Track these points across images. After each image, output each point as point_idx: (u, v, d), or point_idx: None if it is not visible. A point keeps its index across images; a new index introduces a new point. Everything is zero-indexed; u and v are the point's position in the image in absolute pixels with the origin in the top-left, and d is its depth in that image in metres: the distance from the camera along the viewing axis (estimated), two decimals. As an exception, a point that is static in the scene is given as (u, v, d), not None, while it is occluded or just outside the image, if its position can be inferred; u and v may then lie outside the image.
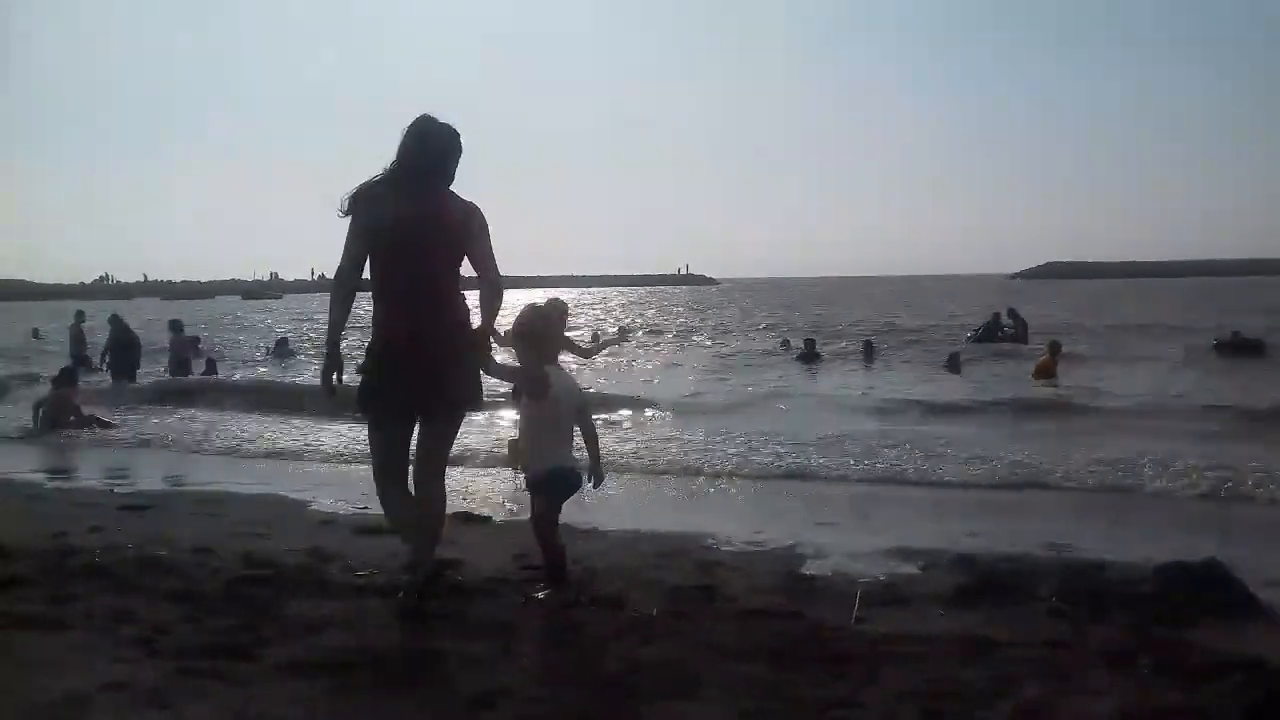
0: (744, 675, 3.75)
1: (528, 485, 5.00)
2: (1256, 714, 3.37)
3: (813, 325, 37.18)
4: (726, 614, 4.59)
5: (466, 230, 4.45)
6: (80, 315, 23.77)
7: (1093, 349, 25.75)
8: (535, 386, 4.76)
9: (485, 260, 4.47)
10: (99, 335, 21.80)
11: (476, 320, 4.48)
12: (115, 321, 19.30)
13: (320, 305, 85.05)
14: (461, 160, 4.51)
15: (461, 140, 4.49)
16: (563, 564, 4.86)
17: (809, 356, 23.73)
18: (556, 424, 4.82)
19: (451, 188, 4.51)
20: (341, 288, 4.48)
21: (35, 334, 32.72)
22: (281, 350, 27.72)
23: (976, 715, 3.37)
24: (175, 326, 21.31)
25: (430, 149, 4.42)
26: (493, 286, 4.44)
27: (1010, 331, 26.72)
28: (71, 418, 13.50)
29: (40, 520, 6.71)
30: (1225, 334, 24.72)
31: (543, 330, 4.93)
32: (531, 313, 4.99)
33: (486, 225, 4.52)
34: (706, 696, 3.53)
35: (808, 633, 4.31)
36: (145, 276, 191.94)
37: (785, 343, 27.22)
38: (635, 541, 6.20)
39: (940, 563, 5.73)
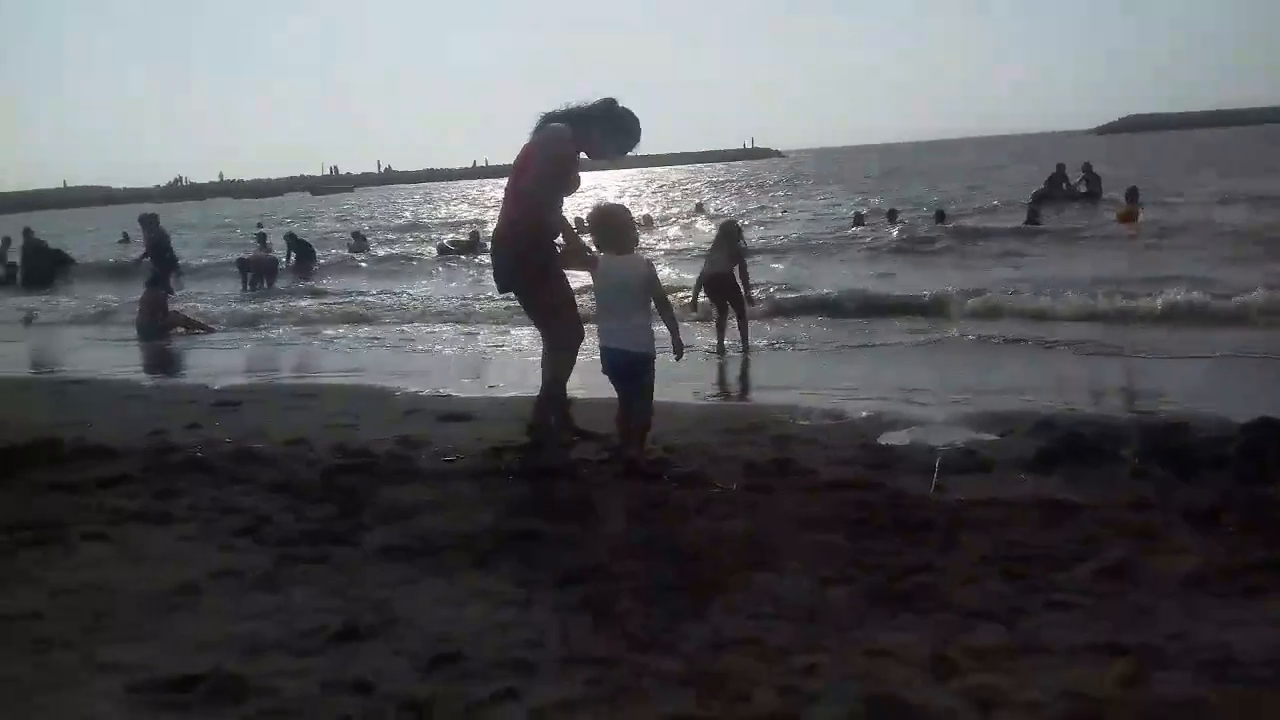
0: (823, 545, 3.82)
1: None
2: (1345, 567, 3.35)
3: (884, 196, 36.36)
4: (805, 486, 4.65)
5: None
6: (153, 219, 24.16)
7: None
8: (582, 265, 5.30)
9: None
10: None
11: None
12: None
13: (390, 196, 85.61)
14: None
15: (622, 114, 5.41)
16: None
17: (896, 222, 23.15)
18: (606, 302, 5.08)
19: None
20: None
21: (125, 238, 33.36)
22: (359, 244, 28.00)
23: (1057, 578, 3.41)
24: (261, 239, 22.19)
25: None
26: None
27: (1083, 190, 25.53)
28: (164, 317, 13.84)
29: (139, 419, 6.99)
30: None
31: (597, 221, 5.28)
32: (592, 209, 5.50)
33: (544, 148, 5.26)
34: (787, 566, 3.61)
35: (887, 502, 4.36)
36: (221, 176, 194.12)
37: (858, 216, 26.57)
38: (712, 417, 6.27)
39: (1021, 427, 5.70)
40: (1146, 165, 38.54)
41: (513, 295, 5.73)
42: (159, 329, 13.55)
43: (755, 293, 10.98)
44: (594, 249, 5.31)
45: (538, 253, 5.33)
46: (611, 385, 5.18)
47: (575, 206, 6.09)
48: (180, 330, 13.70)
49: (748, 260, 10.74)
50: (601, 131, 5.40)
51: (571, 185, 5.45)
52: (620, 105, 5.43)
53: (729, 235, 10.71)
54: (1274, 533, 3.70)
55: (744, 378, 8.68)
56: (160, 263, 17.79)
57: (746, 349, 9.91)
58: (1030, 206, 21.82)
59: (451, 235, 26.69)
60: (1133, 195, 19.72)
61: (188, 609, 3.40)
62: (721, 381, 8.49)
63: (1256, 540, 3.65)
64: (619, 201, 6.30)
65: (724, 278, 10.17)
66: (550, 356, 5.47)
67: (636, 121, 5.48)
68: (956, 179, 43.34)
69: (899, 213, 24.05)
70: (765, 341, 10.30)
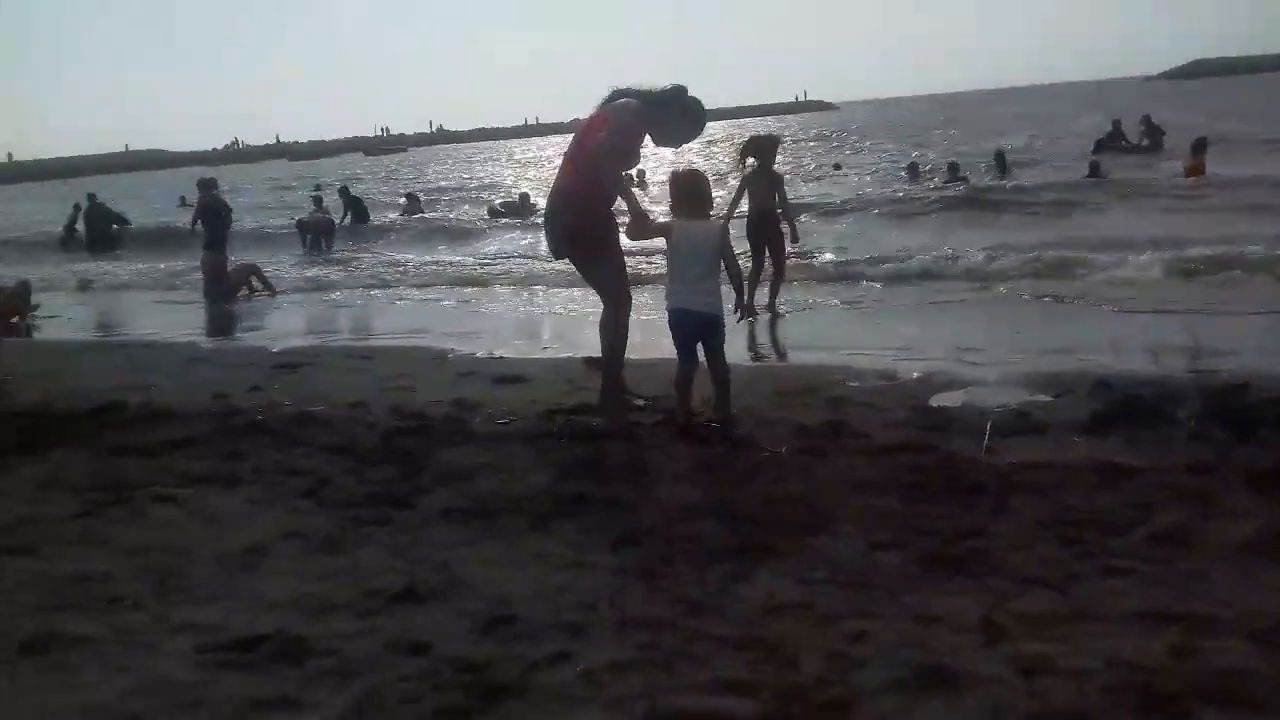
0: (876, 508, 3.85)
1: None
2: (1407, 533, 3.31)
3: (939, 150, 35.72)
4: (857, 450, 4.66)
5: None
6: (212, 182, 24.52)
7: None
8: (655, 233, 5.46)
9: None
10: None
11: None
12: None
13: (446, 155, 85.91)
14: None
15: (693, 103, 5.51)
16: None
17: (957, 177, 22.79)
18: (678, 265, 5.19)
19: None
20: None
21: (182, 201, 33.80)
22: (413, 205, 28.13)
23: (1112, 543, 3.40)
24: (318, 200, 22.47)
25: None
26: None
27: (1144, 144, 24.53)
28: (228, 280, 14.04)
29: (202, 382, 7.17)
30: None
31: (680, 186, 5.40)
32: (673, 173, 5.62)
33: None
34: (839, 530, 3.64)
35: (940, 465, 4.36)
36: (278, 139, 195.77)
37: (912, 167, 26.14)
38: (760, 379, 6.28)
39: (1077, 390, 5.64)
40: (1213, 113, 37.42)
41: (568, 259, 5.79)
42: (225, 292, 13.81)
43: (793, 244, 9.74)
44: (668, 213, 5.45)
45: (598, 218, 5.44)
46: (675, 347, 5.27)
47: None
48: (245, 292, 13.93)
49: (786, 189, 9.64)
50: (669, 117, 5.49)
51: (633, 161, 5.62)
52: (690, 94, 5.49)
53: (765, 150, 9.48)
54: (1334, 498, 3.65)
55: (789, 339, 8.61)
56: (213, 226, 18.09)
57: (774, 307, 9.31)
58: (1091, 160, 21.34)
59: (502, 198, 26.73)
60: (1200, 146, 19.12)
61: (255, 570, 3.52)
62: (770, 342, 8.46)
63: (1316, 505, 3.61)
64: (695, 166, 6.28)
65: (768, 216, 9.25)
66: (611, 320, 5.55)
67: (703, 113, 5.59)
68: (1018, 129, 42.42)
69: (959, 165, 23.64)
70: (814, 299, 10.25)
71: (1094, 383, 5.64)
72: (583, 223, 5.42)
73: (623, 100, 5.41)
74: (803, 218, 13.45)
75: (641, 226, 5.42)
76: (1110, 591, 3.04)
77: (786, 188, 9.94)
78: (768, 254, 9.40)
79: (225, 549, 3.71)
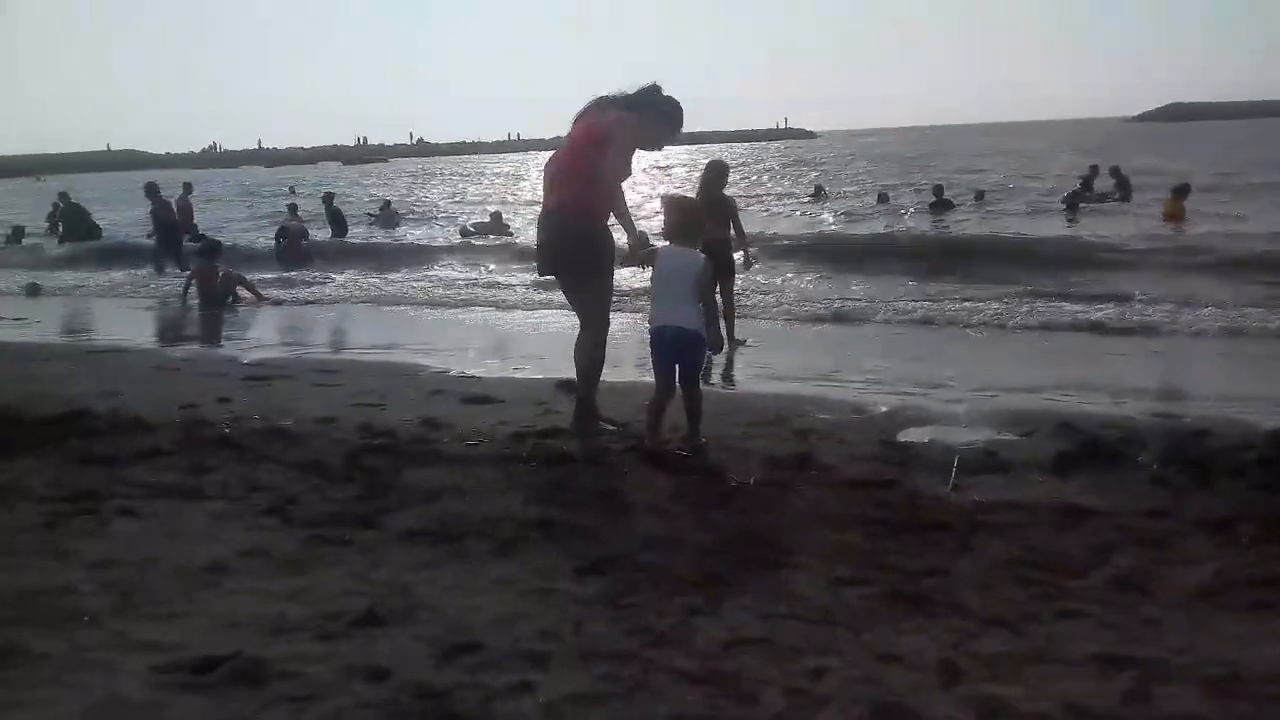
0: (840, 544, 3.88)
1: None
2: (1358, 584, 3.37)
3: (910, 180, 36.10)
4: (823, 483, 4.69)
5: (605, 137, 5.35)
6: (187, 187, 24.40)
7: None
8: (633, 257, 5.46)
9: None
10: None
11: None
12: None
13: (427, 168, 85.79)
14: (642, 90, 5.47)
15: (671, 104, 5.51)
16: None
17: (943, 205, 22.94)
18: (659, 287, 5.27)
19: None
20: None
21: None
22: (387, 215, 28.02)
23: (1070, 585, 3.45)
24: (292, 208, 22.50)
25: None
26: None
27: (1115, 196, 23.93)
28: (218, 288, 13.99)
29: (172, 392, 7.11)
30: None
31: (675, 212, 5.45)
32: (669, 198, 5.72)
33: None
34: (803, 564, 3.67)
35: (904, 501, 4.40)
36: (260, 143, 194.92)
37: (882, 197, 26.40)
38: (733, 410, 6.30)
39: (1041, 428, 5.70)
40: (1184, 156, 38.00)
41: (556, 277, 5.72)
42: (218, 299, 13.79)
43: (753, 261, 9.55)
44: (662, 238, 5.49)
45: (602, 240, 5.44)
46: (654, 368, 5.34)
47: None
48: (232, 300, 13.87)
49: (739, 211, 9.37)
50: (652, 119, 5.49)
51: (629, 175, 5.52)
52: (665, 93, 5.50)
53: (717, 179, 9.03)
54: (1288, 546, 3.71)
55: (760, 369, 8.63)
56: (165, 236, 18.13)
57: (731, 337, 9.06)
58: (1065, 214, 21.66)
59: (475, 218, 26.67)
60: (1182, 191, 19.32)
61: (217, 588, 3.49)
62: (740, 372, 8.49)
63: (1269, 553, 3.67)
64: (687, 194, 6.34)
65: (721, 243, 8.67)
66: (589, 343, 5.54)
67: (681, 110, 5.58)
68: (998, 166, 42.89)
69: (943, 188, 23.88)
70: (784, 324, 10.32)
71: (1059, 423, 5.71)
72: (589, 240, 5.40)
73: (618, 115, 5.37)
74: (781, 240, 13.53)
75: (636, 251, 5.37)
76: (1068, 634, 3.08)
77: (740, 215, 9.75)
78: (720, 281, 9.14)
79: (187, 565, 3.68)
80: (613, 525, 4.16)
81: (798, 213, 27.05)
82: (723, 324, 9.07)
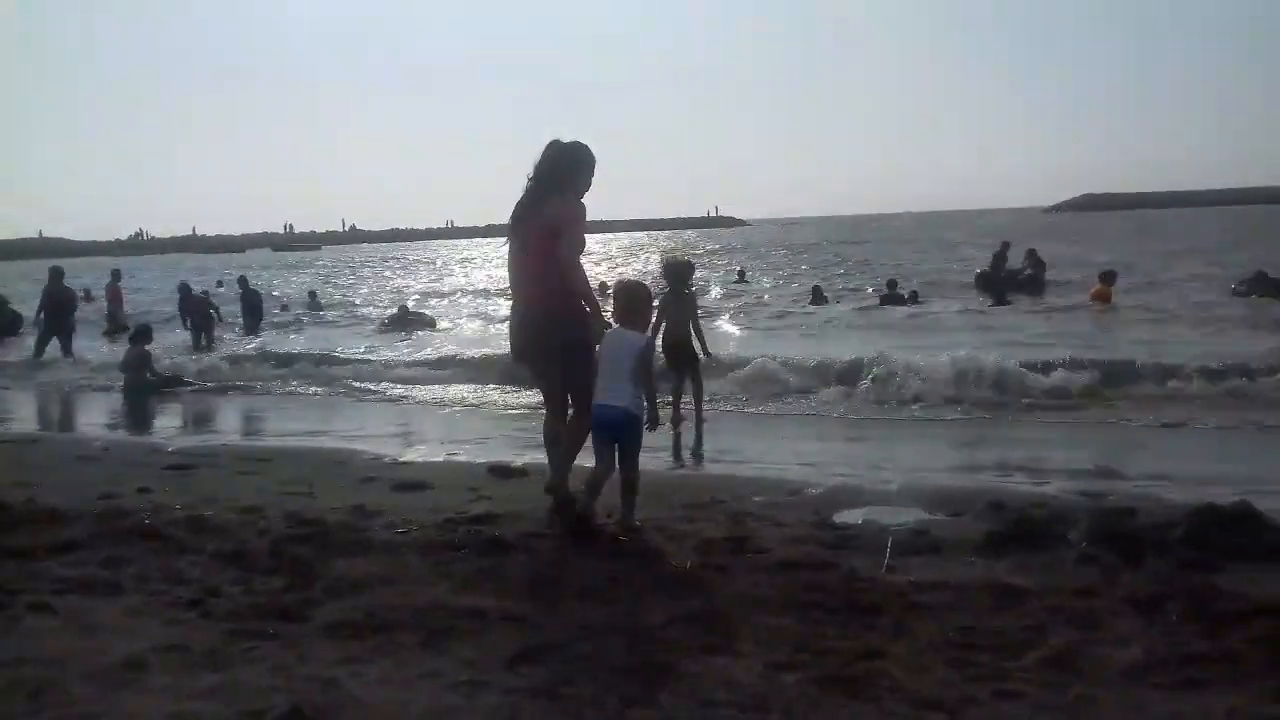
0: (776, 627, 3.85)
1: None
2: (1284, 659, 3.41)
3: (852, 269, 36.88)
4: (759, 566, 4.67)
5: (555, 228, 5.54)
6: (115, 274, 23.98)
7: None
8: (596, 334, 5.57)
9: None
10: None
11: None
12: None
13: (360, 256, 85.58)
14: (560, 154, 5.63)
15: (575, 151, 5.65)
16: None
17: (894, 299, 22.98)
18: (612, 370, 5.38)
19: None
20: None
21: (87, 294, 32.00)
22: (313, 303, 27.80)
23: (1005, 666, 3.45)
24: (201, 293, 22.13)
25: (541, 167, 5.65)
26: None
27: (1026, 273, 23.94)
28: (149, 375, 13.75)
29: (90, 481, 6.90)
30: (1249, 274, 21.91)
31: (626, 296, 5.67)
32: (620, 283, 5.97)
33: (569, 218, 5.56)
34: (740, 650, 3.63)
35: (839, 583, 4.39)
36: (195, 230, 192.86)
37: (816, 289, 26.60)
38: (668, 492, 6.28)
39: (972, 508, 5.76)
40: (1101, 244, 39.35)
41: (541, 366, 5.77)
42: (153, 385, 13.55)
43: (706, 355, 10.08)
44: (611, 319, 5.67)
45: (580, 319, 5.54)
46: (594, 447, 5.44)
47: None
48: (167, 389, 13.57)
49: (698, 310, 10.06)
50: (578, 185, 5.66)
51: (583, 247, 5.71)
52: (564, 141, 5.67)
53: (680, 277, 9.82)
54: (1214, 623, 3.76)
55: (700, 450, 8.67)
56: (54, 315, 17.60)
57: (701, 418, 9.66)
58: (984, 293, 22.16)
59: (390, 313, 24.97)
60: (1110, 278, 19.96)
61: (132, 686, 3.35)
62: (680, 453, 8.50)
63: (1197, 630, 3.72)
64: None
65: (685, 340, 9.62)
66: (578, 424, 5.63)
67: (587, 150, 5.70)
68: (920, 255, 44.02)
69: (897, 282, 24.25)
70: (727, 408, 10.37)
71: (989, 502, 5.78)
72: (570, 322, 5.53)
73: (557, 206, 5.53)
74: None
75: (599, 329, 5.51)
76: (1005, 715, 3.08)
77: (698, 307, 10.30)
78: (686, 370, 9.76)
79: (102, 663, 3.53)
80: (547, 613, 4.09)
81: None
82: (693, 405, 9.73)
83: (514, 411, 10.80)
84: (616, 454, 5.39)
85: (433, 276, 49.14)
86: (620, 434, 5.37)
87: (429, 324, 22.08)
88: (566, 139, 5.69)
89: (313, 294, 29.89)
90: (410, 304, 25.92)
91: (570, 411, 5.72)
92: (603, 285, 14.68)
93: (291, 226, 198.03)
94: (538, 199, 5.60)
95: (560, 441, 5.74)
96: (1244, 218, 75.34)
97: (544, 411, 6.04)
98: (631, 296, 5.65)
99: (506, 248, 5.79)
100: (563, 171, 5.61)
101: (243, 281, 23.63)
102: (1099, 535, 4.98)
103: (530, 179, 5.65)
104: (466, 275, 48.13)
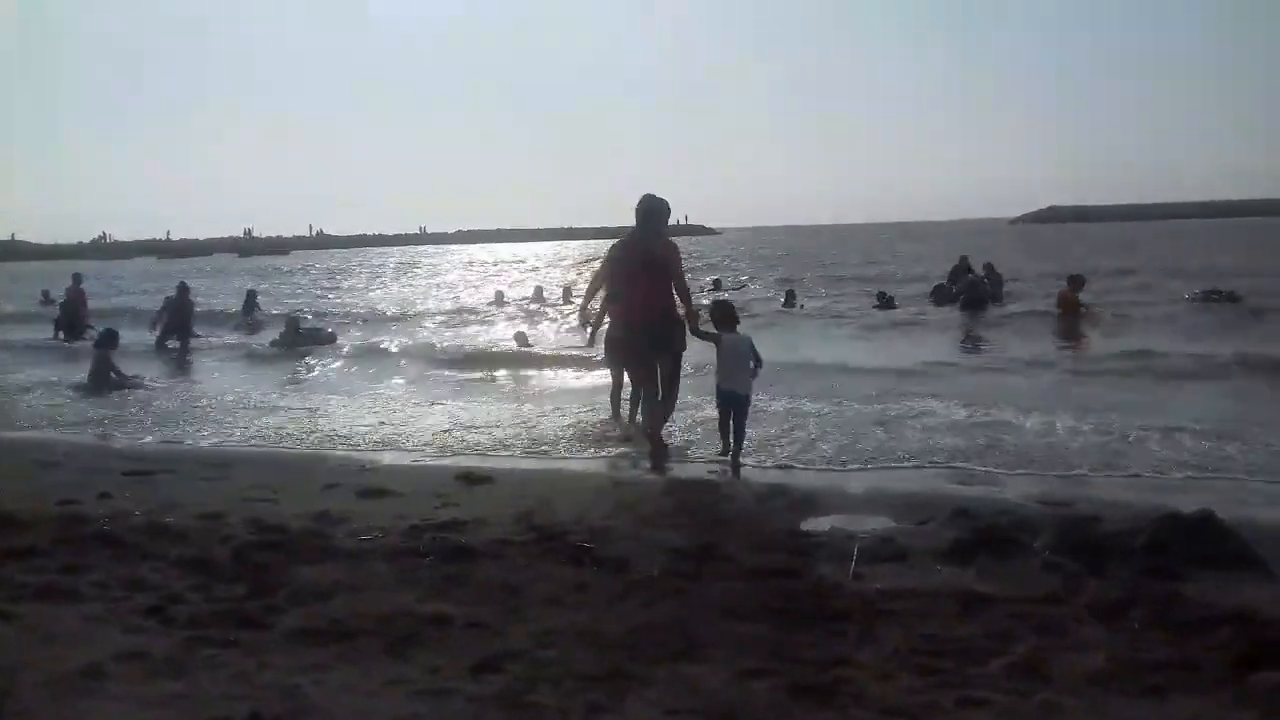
0: (745, 635, 3.84)
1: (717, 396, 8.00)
2: (1245, 666, 3.44)
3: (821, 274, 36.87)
4: (728, 574, 4.67)
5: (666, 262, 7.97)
6: (77, 278, 23.49)
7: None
8: (709, 339, 8.10)
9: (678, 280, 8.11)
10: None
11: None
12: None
13: (332, 263, 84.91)
14: (656, 208, 8.04)
15: (665, 204, 8.08)
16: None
17: (886, 304, 23.14)
18: (725, 362, 7.90)
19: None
20: (596, 285, 8.89)
21: (45, 296, 31.13)
22: (248, 304, 25.58)
23: (970, 673, 3.46)
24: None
25: (640, 217, 8.04)
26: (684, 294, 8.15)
27: (984, 287, 22.90)
28: (113, 376, 13.62)
29: (50, 487, 6.80)
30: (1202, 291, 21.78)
31: (722, 309, 8.37)
32: (714, 303, 8.87)
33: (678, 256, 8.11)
34: (708, 657, 3.62)
35: (807, 591, 4.40)
36: (169, 234, 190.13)
37: (788, 297, 26.52)
38: (639, 501, 6.27)
39: (938, 516, 5.78)
40: (1059, 253, 39.63)
41: (653, 359, 7.94)
42: (113, 386, 13.43)
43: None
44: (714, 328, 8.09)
45: (683, 330, 7.96)
46: (718, 414, 7.91)
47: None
48: (134, 389, 13.42)
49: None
50: (666, 228, 8.11)
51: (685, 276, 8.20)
52: (655, 197, 8.00)
53: (728, 317, 8.52)
54: (1176, 631, 3.79)
55: (681, 457, 8.61)
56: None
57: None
58: (940, 306, 22.22)
59: (279, 332, 20.20)
60: (1077, 284, 19.84)
61: (90, 695, 3.30)
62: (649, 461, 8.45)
63: (1159, 638, 3.74)
64: None
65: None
66: (670, 403, 8.10)
67: (659, 200, 8.01)
68: (898, 264, 44.09)
69: (886, 293, 24.24)
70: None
71: (955, 509, 5.79)
72: (679, 333, 7.88)
73: (665, 245, 7.92)
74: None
75: (696, 330, 7.98)
76: (968, 723, 3.07)
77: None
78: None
79: (60, 670, 3.47)
80: (512, 620, 4.06)
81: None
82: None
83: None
84: (732, 420, 7.72)
85: (362, 283, 47.42)
86: (735, 407, 7.72)
87: (327, 340, 19.22)
88: (658, 195, 8.00)
89: (251, 293, 27.36)
90: (309, 317, 23.52)
91: (660, 394, 7.97)
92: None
93: (250, 230, 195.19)
94: (647, 241, 7.90)
95: (654, 406, 7.96)
96: (1212, 231, 76.29)
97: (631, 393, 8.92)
98: (726, 310, 8.26)
99: (614, 270, 8.12)
100: (655, 218, 7.94)
101: (182, 289, 20.88)
102: (1064, 543, 5.02)
103: (637, 225, 7.93)
104: (406, 281, 46.97)
